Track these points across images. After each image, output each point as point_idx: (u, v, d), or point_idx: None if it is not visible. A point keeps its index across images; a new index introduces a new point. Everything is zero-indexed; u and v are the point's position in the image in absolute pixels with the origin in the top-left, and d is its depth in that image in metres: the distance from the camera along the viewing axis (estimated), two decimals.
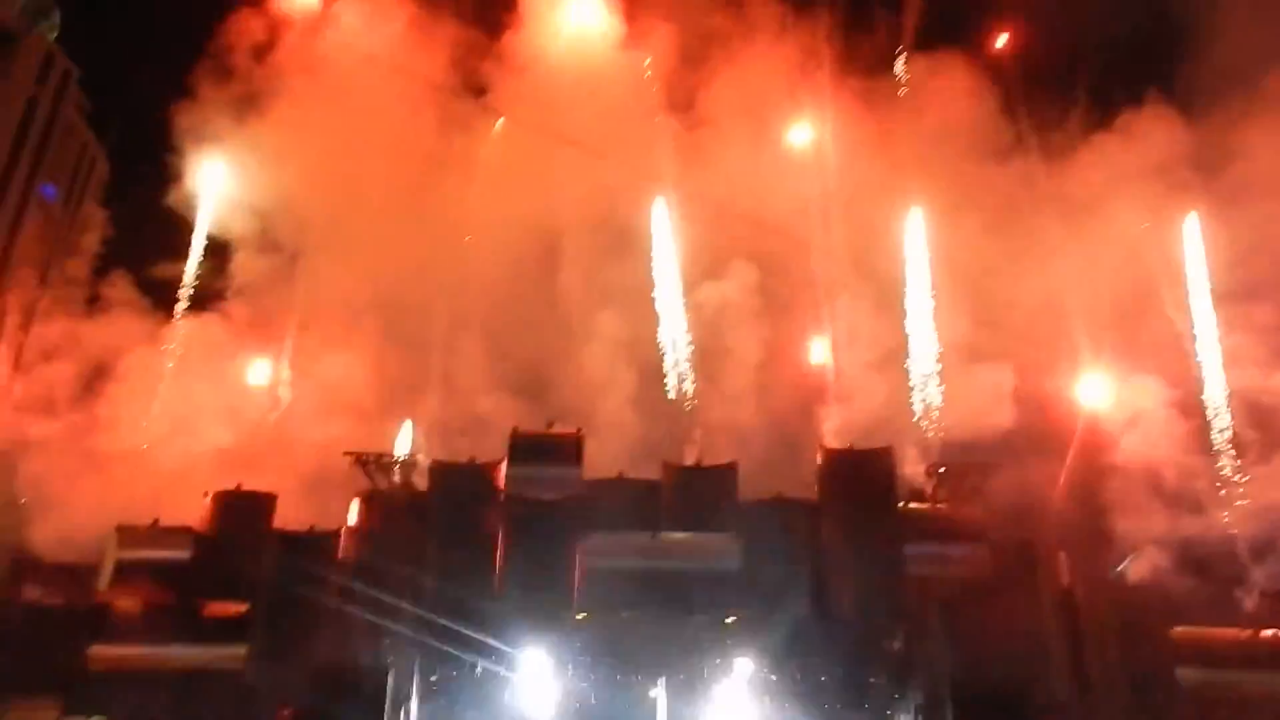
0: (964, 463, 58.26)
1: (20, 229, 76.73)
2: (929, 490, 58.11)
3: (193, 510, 55.62)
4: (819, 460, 57.63)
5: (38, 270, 71.05)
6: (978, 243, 62.85)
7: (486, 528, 54.60)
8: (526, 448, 56.05)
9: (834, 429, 60.75)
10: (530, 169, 66.86)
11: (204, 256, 68.12)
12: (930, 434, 61.67)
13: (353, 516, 55.58)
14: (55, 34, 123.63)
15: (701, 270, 65.40)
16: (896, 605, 53.23)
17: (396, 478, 57.20)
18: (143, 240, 70.74)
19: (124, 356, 62.08)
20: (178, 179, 67.34)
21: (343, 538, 54.97)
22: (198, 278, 67.53)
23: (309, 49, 69.19)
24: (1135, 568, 55.46)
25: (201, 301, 66.67)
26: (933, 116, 66.98)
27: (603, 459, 57.56)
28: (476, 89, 70.76)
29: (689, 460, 58.66)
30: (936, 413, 62.09)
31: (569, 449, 56.42)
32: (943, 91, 67.54)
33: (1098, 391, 60.65)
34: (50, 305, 67.61)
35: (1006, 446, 57.90)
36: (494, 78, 70.15)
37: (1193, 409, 59.97)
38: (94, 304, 65.82)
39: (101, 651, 50.36)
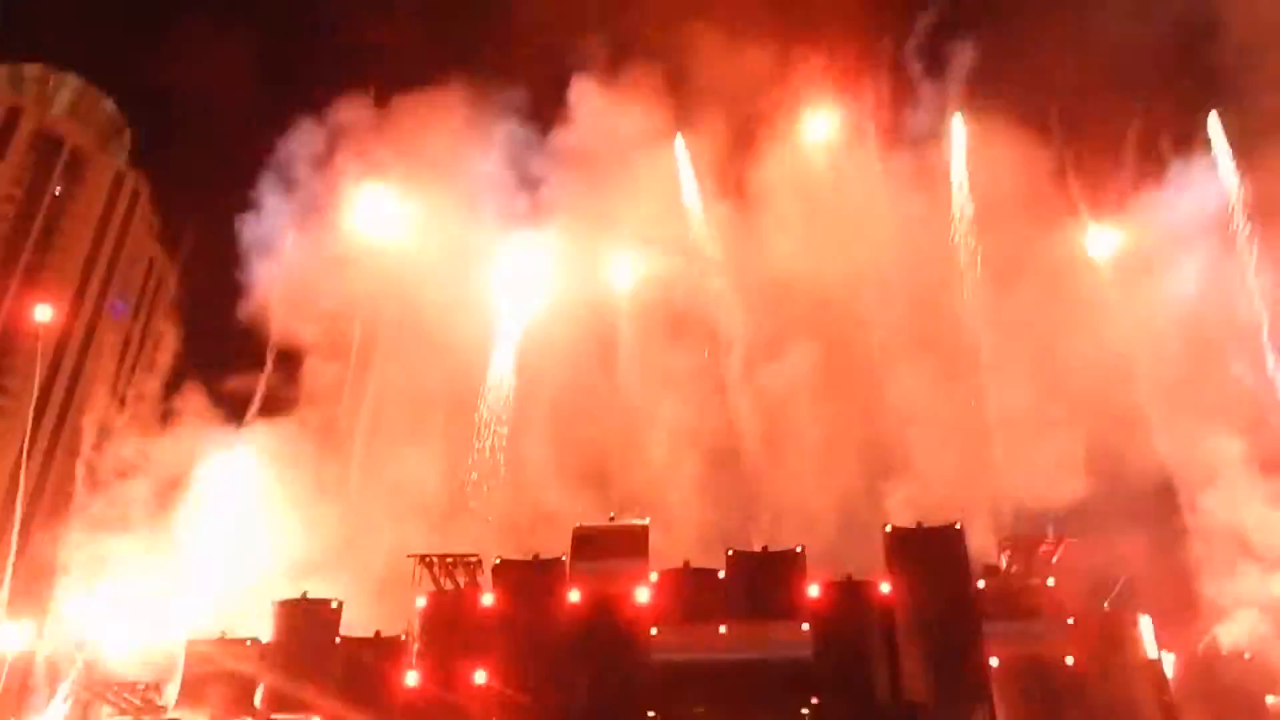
0: (1038, 534, 56.70)
1: (93, 346, 79.46)
2: (1003, 565, 56.50)
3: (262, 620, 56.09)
4: (887, 539, 56.42)
5: (111, 386, 73.10)
6: (1037, 308, 61.99)
7: (553, 625, 54.13)
8: (590, 541, 55.80)
9: (900, 505, 59.88)
10: (584, 260, 67.78)
11: (273, 365, 69.62)
12: (1000, 506, 60.27)
13: (418, 619, 55.41)
14: (125, 154, 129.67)
15: (761, 351, 65.33)
16: (976, 687, 51.24)
17: (461, 578, 57.01)
18: (213, 352, 72.69)
19: (195, 468, 63.40)
20: (246, 290, 69.32)
21: (409, 640, 54.82)
22: (267, 386, 68.95)
23: (367, 154, 71.38)
24: (1226, 635, 53.21)
25: (272, 409, 68.03)
26: (983, 182, 66.61)
27: (668, 548, 57.15)
28: (531, 183, 72.30)
29: (755, 546, 57.75)
30: (1005, 484, 60.67)
31: (634, 540, 55.94)
32: (993, 156, 67.19)
33: (1173, 452, 58.90)
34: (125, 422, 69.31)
35: (1081, 515, 56.52)
36: (546, 171, 71.71)
37: (1274, 465, 57.99)
38: (168, 418, 67.44)
39: None
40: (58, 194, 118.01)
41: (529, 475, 63.25)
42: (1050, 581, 54.40)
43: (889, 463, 62.33)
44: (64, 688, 57.35)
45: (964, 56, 70.19)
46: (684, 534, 59.00)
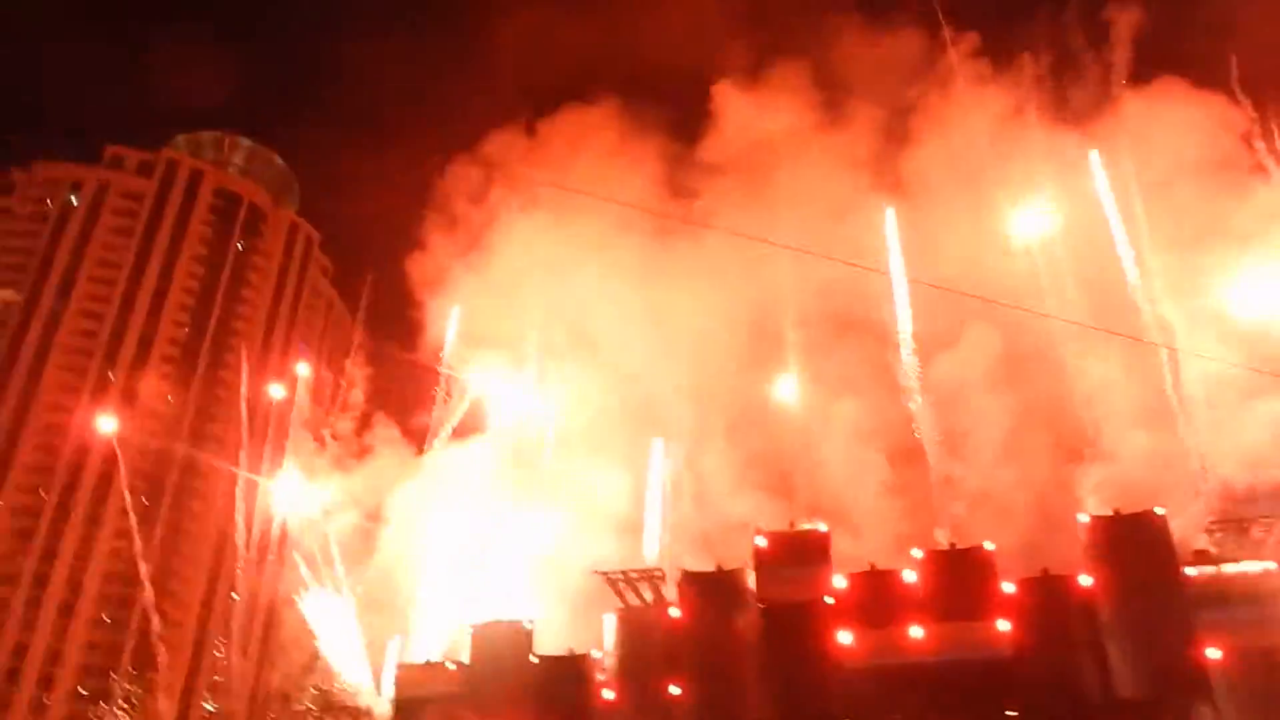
0: (1248, 515, 53.18)
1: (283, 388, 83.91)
2: (1211, 550, 53.09)
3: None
4: (1084, 529, 53.92)
5: (311, 429, 77.00)
6: (1225, 277, 58.22)
7: (739, 635, 54.02)
8: (772, 549, 55.43)
9: (1095, 493, 57.10)
10: (747, 266, 67.49)
11: (451, 395, 71.99)
12: (1203, 486, 56.70)
13: (608, 635, 56.23)
14: (296, 205, 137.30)
15: (936, 344, 63.63)
16: (1191, 680, 48.34)
17: (647, 592, 57.55)
18: (395, 388, 75.72)
19: (393, 499, 66.19)
20: (420, 326, 72.06)
21: (600, 656, 55.68)
22: (451, 414, 71.28)
23: (523, 183, 73.20)
24: None
25: (459, 435, 70.35)
26: (1161, 152, 63.03)
27: (853, 550, 56.34)
28: (686, 194, 72.51)
29: (943, 544, 56.22)
30: (1207, 463, 57.08)
31: (816, 546, 55.34)
32: (1171, 125, 63.46)
33: None
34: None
35: None
36: (700, 182, 71.79)
37: None
38: (363, 455, 70.63)
39: None
40: (240, 248, 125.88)
41: (709, 486, 63.25)
42: (1273, 565, 50.83)
43: (1079, 449, 59.53)
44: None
45: (1129, 19, 66.98)
46: (869, 536, 57.82)
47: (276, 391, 78.06)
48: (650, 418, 66.44)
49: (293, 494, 68.84)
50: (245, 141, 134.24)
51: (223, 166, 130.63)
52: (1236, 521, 53.21)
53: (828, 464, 61.62)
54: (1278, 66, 64.28)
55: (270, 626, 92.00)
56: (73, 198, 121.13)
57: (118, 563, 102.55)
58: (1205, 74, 63.57)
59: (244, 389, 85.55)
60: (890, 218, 67.08)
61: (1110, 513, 53.92)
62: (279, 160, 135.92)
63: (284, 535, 70.66)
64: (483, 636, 57.02)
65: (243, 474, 75.78)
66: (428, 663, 57.32)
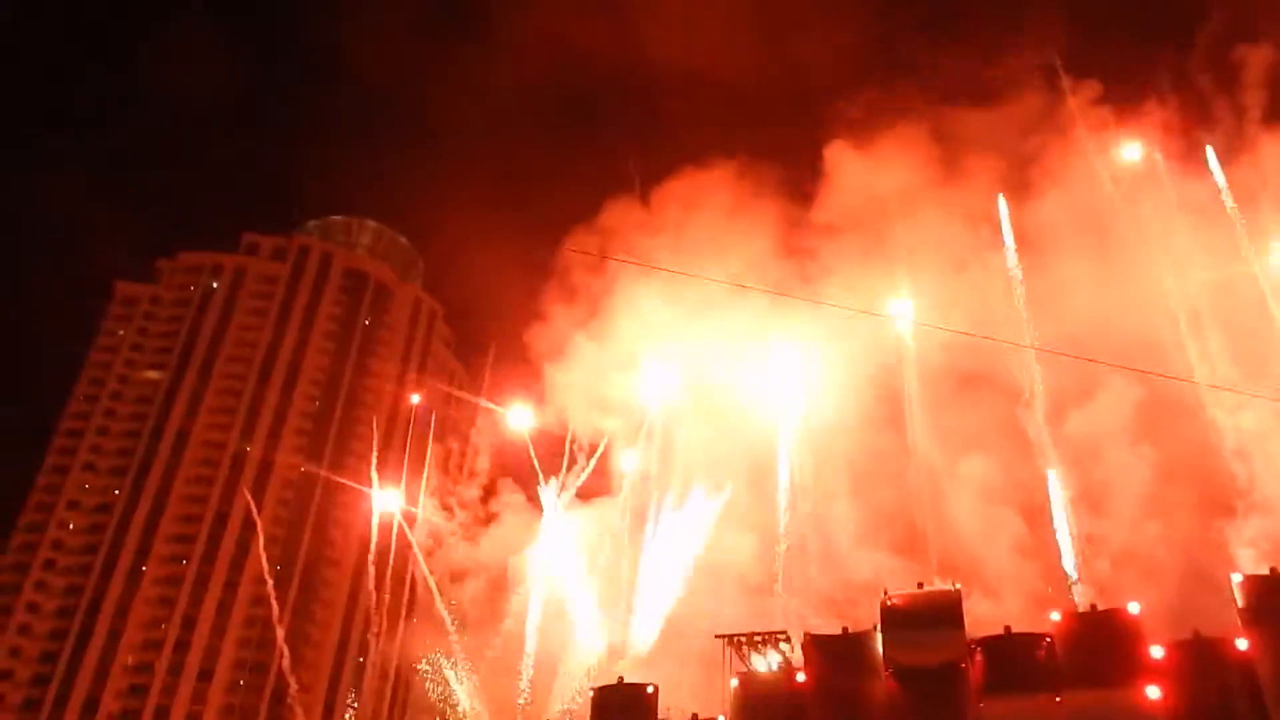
0: None
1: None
2: None
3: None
4: (1239, 588, 50.52)
5: (437, 498, 78.46)
6: None
7: (868, 701, 51.99)
8: (901, 611, 53.52)
9: (1248, 549, 53.74)
10: (864, 324, 66.56)
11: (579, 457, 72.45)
12: None
13: (731, 700, 54.84)
14: (420, 281, 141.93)
15: (1070, 399, 61.27)
16: None
17: (771, 656, 56.12)
18: (521, 453, 76.34)
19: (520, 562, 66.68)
20: (545, 394, 72.91)
21: None
22: (576, 477, 71.74)
23: (637, 253, 74.03)
24: None
25: (584, 497, 70.76)
26: None
27: (988, 613, 54.09)
28: (802, 255, 72.28)
29: (1084, 605, 53.42)
30: None
31: (947, 607, 53.01)
32: None
33: None
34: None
35: None
36: (814, 244, 71.57)
37: None
38: (490, 521, 71.59)
39: None
40: (368, 324, 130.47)
41: (836, 545, 61.86)
42: None
43: (1228, 503, 56.16)
44: None
45: (1260, 58, 64.59)
46: (1004, 598, 55.35)
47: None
48: (772, 479, 65.47)
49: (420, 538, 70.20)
50: (371, 223, 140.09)
51: (351, 248, 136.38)
52: None
53: (958, 522, 59.47)
54: None
55: (400, 689, 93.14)
56: (213, 283, 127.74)
57: (254, 629, 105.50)
58: None
59: (374, 455, 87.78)
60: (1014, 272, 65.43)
61: (1267, 571, 50.56)
62: (403, 240, 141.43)
63: (413, 599, 71.75)
64: (604, 698, 56.36)
65: (375, 537, 77.18)
66: None
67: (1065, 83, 70.18)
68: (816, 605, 59.98)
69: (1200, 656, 48.61)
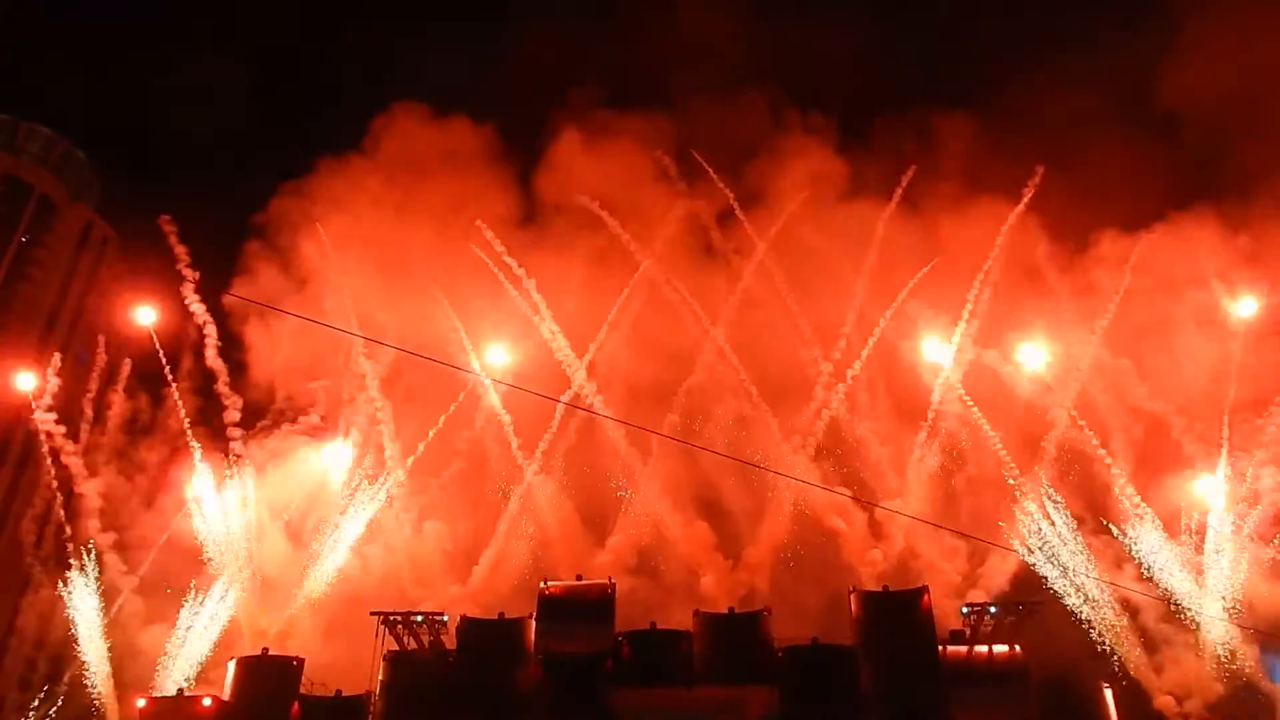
0: (1002, 600, 56.81)
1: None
2: (968, 630, 56.26)
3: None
4: (853, 603, 56.22)
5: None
6: None
7: (517, 685, 53.32)
8: (556, 602, 55.26)
9: (869, 570, 60.17)
10: None
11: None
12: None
13: (381, 677, 54.42)
14: (95, 203, 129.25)
15: None
16: None
17: (426, 637, 56.17)
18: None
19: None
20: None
21: (372, 700, 53.84)
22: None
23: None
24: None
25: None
26: None
27: (634, 609, 56.82)
28: None
29: (722, 608, 57.44)
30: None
31: (599, 602, 55.44)
32: None
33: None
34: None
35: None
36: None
37: None
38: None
39: None
40: (24, 240, 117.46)
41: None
42: (1015, 649, 54.16)
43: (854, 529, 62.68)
44: None
45: None
46: (650, 595, 58.87)
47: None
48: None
49: None
50: (45, 129, 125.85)
51: (16, 154, 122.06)
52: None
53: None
54: None
55: None
56: None
57: None
58: None
59: None
60: None
61: (880, 589, 56.81)
62: (80, 154, 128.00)
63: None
64: (246, 671, 54.20)
65: None
66: (179, 694, 53.59)
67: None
68: (484, 596, 60.84)
69: (817, 658, 53.15)
